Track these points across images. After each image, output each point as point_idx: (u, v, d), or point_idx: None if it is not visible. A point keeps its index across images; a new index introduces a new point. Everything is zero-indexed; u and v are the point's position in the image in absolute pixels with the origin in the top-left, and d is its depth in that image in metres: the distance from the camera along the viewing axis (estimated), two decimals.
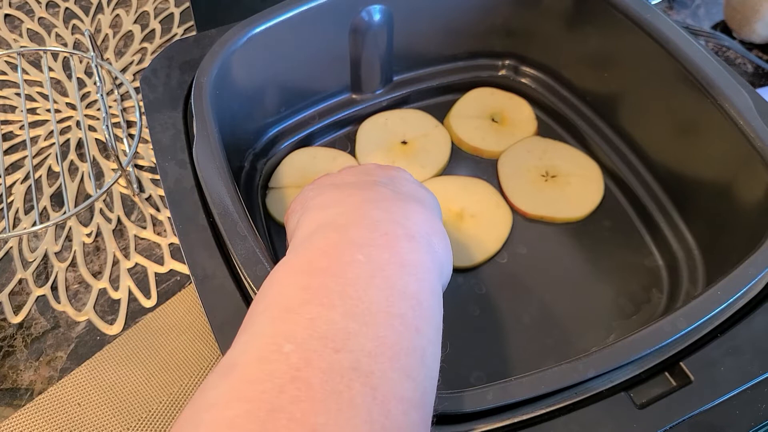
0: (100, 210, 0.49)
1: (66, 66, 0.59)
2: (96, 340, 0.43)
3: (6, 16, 0.63)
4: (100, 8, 0.63)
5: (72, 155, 0.52)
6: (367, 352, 0.20)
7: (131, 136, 0.53)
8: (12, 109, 0.56)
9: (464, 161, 0.48)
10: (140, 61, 0.59)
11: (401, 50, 0.48)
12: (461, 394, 0.27)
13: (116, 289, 0.45)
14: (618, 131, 0.46)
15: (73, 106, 0.55)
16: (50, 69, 0.58)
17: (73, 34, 0.61)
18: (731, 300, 0.30)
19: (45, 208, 0.49)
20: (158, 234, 0.48)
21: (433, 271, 0.26)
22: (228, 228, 0.32)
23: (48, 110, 0.55)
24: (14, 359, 0.42)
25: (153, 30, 0.61)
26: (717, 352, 0.29)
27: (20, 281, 0.45)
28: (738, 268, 0.30)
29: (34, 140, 0.53)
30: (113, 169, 0.51)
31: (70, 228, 0.48)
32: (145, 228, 0.48)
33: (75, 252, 0.47)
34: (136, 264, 0.46)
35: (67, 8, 0.63)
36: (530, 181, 0.46)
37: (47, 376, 0.41)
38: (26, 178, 0.51)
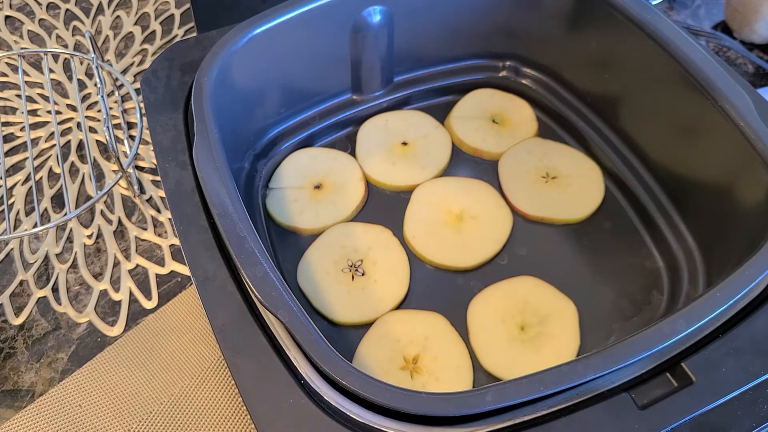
0: (101, 211, 0.49)
1: (67, 67, 0.59)
2: (97, 342, 0.43)
3: (7, 17, 0.63)
4: (100, 10, 0.63)
5: (73, 157, 0.52)
6: None
7: (132, 137, 0.53)
8: (13, 110, 0.56)
9: (465, 162, 0.48)
10: (141, 63, 0.59)
11: (402, 51, 0.48)
12: (461, 396, 0.27)
13: (117, 290, 0.45)
14: (618, 132, 0.46)
15: (73, 108, 0.56)
16: (51, 70, 0.58)
17: (73, 35, 0.61)
18: (731, 302, 0.29)
19: (46, 209, 0.49)
20: (159, 235, 0.48)
21: None
22: (228, 229, 0.32)
23: (49, 112, 0.55)
24: (15, 361, 0.42)
25: (153, 31, 0.61)
26: (718, 353, 0.29)
27: (21, 283, 0.45)
28: (738, 269, 0.30)
29: (34, 142, 0.53)
30: (114, 171, 0.51)
31: (70, 229, 0.48)
32: (145, 229, 0.48)
33: (76, 253, 0.47)
34: (137, 265, 0.46)
35: (67, 10, 0.63)
36: (531, 183, 0.46)
37: (48, 377, 0.41)
38: (27, 179, 0.51)
